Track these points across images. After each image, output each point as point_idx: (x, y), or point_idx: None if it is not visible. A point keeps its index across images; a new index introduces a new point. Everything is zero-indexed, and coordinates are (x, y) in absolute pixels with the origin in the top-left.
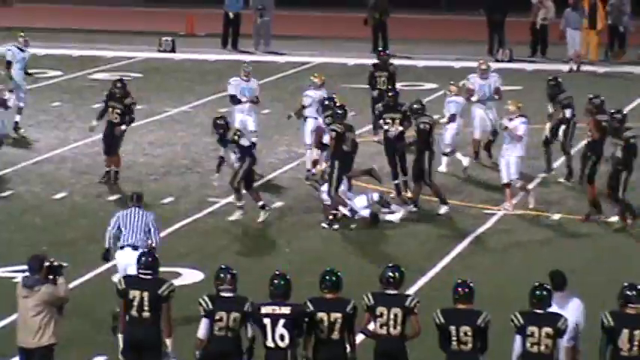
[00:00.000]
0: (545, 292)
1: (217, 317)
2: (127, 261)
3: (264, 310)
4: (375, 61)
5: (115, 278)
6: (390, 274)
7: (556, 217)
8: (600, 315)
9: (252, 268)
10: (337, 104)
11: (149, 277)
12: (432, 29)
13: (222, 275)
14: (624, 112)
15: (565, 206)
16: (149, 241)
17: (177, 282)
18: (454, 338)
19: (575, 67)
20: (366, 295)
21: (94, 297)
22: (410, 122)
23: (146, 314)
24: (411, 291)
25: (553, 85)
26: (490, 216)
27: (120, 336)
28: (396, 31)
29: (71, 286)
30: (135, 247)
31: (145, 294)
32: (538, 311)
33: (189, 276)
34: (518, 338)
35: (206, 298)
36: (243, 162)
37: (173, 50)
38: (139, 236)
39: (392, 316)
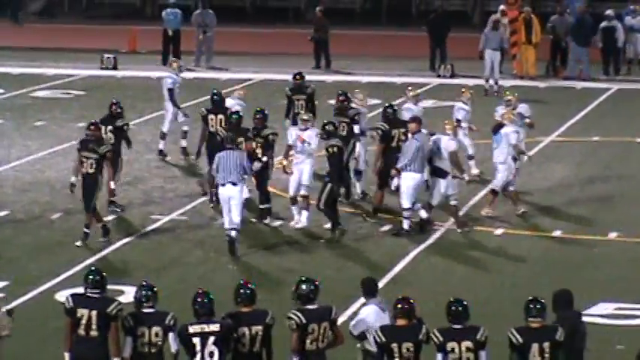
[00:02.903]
0: (461, 307)
1: (139, 333)
2: (228, 194)
3: (192, 329)
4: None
5: (62, 297)
6: (305, 287)
7: (499, 232)
8: (507, 333)
9: (196, 286)
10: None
11: (97, 295)
12: (374, 45)
13: (142, 291)
14: (329, 125)
15: (508, 222)
16: (245, 176)
17: (120, 299)
18: (396, 355)
19: (492, 88)
20: (295, 314)
21: (37, 315)
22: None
23: (94, 333)
24: (354, 307)
25: (342, 100)
26: (434, 232)
27: (67, 355)
28: (338, 47)
29: (14, 304)
30: (234, 184)
31: (94, 313)
32: (456, 326)
33: (132, 294)
34: (439, 356)
35: (128, 317)
36: None
37: (115, 67)
38: (235, 173)
39: (322, 331)
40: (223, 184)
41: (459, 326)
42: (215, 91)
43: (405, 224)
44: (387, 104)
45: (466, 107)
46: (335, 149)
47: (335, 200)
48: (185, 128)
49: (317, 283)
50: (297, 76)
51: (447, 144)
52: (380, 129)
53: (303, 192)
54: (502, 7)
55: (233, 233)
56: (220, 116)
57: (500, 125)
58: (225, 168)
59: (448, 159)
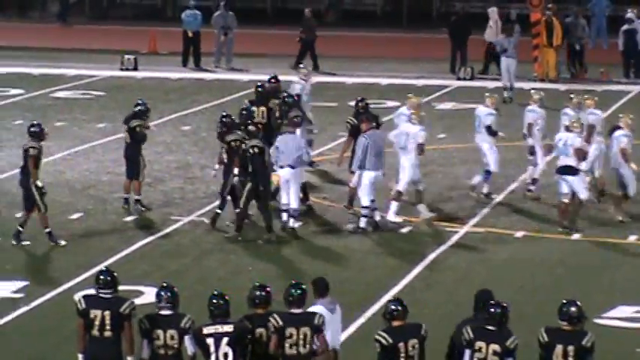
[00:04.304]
0: (499, 310)
1: (154, 336)
2: (285, 177)
3: (206, 330)
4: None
5: (76, 297)
6: (293, 292)
7: (519, 235)
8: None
9: (216, 288)
10: None
11: (109, 295)
12: (394, 47)
13: (161, 293)
14: (252, 126)
15: (529, 224)
16: (304, 158)
17: (139, 301)
18: (402, 355)
19: (508, 95)
20: (273, 317)
21: (56, 315)
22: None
23: (108, 333)
24: (373, 309)
25: (290, 103)
26: (452, 234)
27: (80, 356)
28: (358, 49)
29: (32, 305)
30: (292, 167)
31: (107, 313)
32: (490, 328)
33: (152, 295)
34: (467, 352)
35: (144, 319)
36: None
37: (135, 68)
38: (293, 157)
39: (301, 336)
40: (282, 167)
41: (492, 328)
42: (259, 84)
43: (362, 222)
44: (359, 98)
45: (572, 112)
46: (256, 150)
47: (265, 200)
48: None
49: (304, 287)
50: (272, 80)
51: (573, 140)
52: (348, 123)
53: (419, 187)
54: (493, 8)
55: (285, 216)
56: (262, 108)
57: (615, 127)
58: (284, 151)
59: (574, 156)
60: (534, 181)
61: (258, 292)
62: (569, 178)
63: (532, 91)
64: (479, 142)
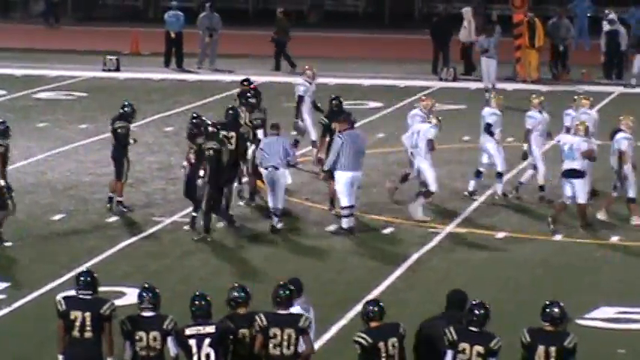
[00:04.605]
0: (482, 311)
1: (137, 337)
2: (271, 178)
3: (188, 331)
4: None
5: (57, 298)
6: (281, 292)
7: (500, 235)
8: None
9: (198, 288)
10: None
11: (89, 296)
12: (376, 48)
13: (143, 295)
14: (212, 127)
15: (510, 225)
16: (288, 159)
17: (121, 301)
18: (383, 354)
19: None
20: (259, 317)
21: (38, 317)
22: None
23: (88, 334)
24: (355, 310)
25: (253, 104)
26: (435, 235)
27: (61, 357)
28: (340, 50)
29: (14, 306)
30: (276, 168)
31: (87, 314)
32: (473, 329)
33: (134, 296)
34: (449, 353)
35: (126, 320)
36: None
37: (118, 69)
38: (278, 158)
39: (285, 337)
40: (266, 168)
41: (475, 329)
42: (246, 83)
43: (344, 223)
44: (332, 96)
45: (574, 113)
46: (211, 152)
47: (217, 202)
48: (298, 137)
49: (292, 288)
50: (245, 82)
51: (580, 145)
52: (321, 122)
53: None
54: (467, 8)
55: (274, 219)
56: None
57: (617, 130)
58: (269, 152)
59: (581, 159)
60: (541, 187)
61: (237, 293)
62: (573, 180)
63: (532, 96)
64: (483, 142)
